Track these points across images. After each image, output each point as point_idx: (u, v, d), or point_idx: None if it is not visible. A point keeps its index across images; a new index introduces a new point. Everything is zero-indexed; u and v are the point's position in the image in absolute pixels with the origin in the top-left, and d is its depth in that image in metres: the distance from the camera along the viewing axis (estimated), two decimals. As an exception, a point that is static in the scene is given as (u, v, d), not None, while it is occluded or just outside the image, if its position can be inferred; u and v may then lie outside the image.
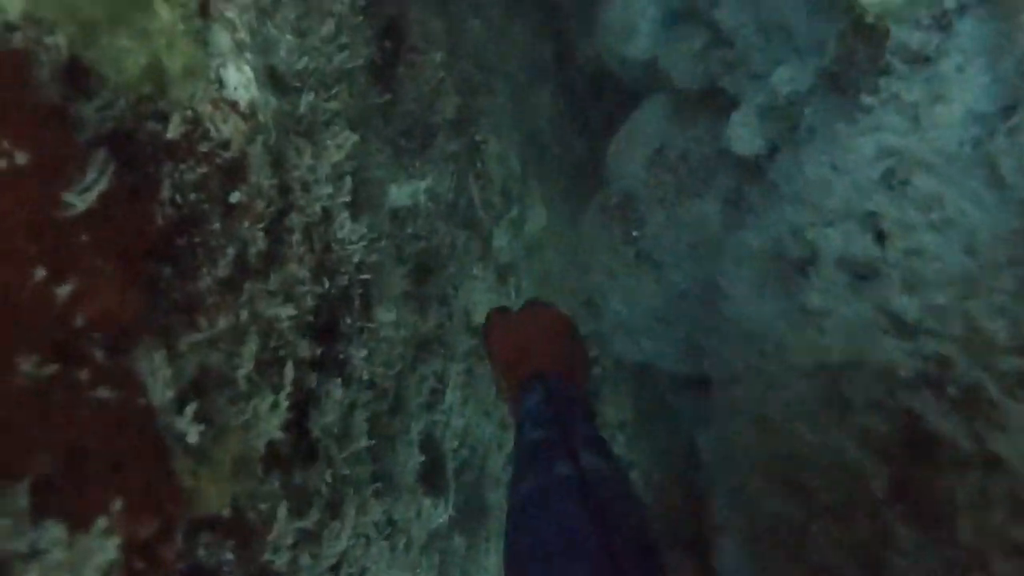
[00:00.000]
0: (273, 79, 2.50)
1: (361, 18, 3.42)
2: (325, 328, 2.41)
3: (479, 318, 6.51)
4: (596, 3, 6.33)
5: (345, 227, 2.52)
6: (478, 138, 6.35)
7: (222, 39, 2.20)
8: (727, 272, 3.58)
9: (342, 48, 3.11)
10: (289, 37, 2.70)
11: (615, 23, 5.88)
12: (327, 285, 2.42)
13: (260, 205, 2.21)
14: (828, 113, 3.00)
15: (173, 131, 1.96)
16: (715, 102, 4.62)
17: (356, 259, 2.57)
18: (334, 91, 2.84)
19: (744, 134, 3.61)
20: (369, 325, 2.66)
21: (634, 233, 5.16)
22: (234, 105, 2.14)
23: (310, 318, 2.27)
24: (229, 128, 2.12)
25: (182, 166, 1.97)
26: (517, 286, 7.39)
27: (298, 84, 2.63)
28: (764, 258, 3.29)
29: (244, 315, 2.02)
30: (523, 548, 1.40)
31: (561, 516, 1.39)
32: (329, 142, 2.71)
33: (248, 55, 2.27)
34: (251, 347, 1.99)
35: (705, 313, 4.69)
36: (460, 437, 5.64)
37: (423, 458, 4.15)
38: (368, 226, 2.80)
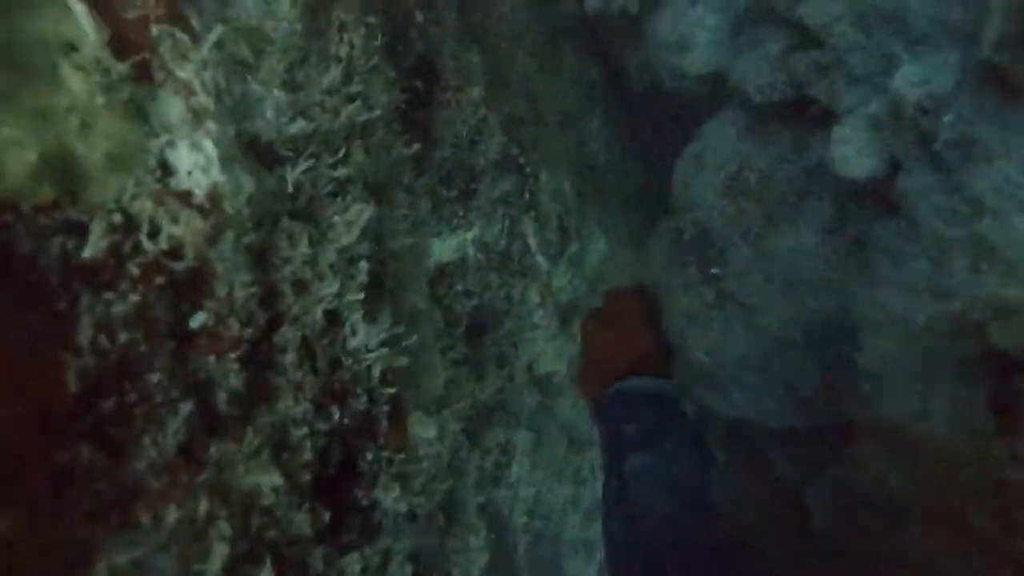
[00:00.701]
0: (254, 151, 1.91)
1: (376, 60, 2.83)
2: (336, 476, 1.78)
3: (545, 368, 5.85)
4: (644, 17, 5.63)
5: (359, 333, 1.88)
6: (528, 173, 5.72)
7: (171, 109, 1.61)
8: (865, 344, 2.81)
9: (352, 99, 2.51)
10: (278, 93, 2.11)
11: (667, 37, 5.16)
12: (337, 416, 1.79)
13: (233, 327, 1.60)
14: (987, 120, 2.22)
15: (93, 247, 1.36)
16: (800, 114, 3.85)
17: (377, 371, 1.93)
18: (342, 153, 2.23)
19: (852, 153, 2.85)
20: (399, 457, 2.02)
21: (713, 271, 4.40)
22: (186, 197, 1.54)
23: (308, 476, 1.63)
24: (181, 229, 1.51)
25: (108, 295, 1.37)
26: (583, 327, 6.69)
27: (290, 152, 2.03)
28: (924, 335, 2.51)
29: (204, 503, 1.39)
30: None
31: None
32: (337, 219, 2.09)
33: (211, 125, 1.67)
34: (219, 550, 1.37)
35: (811, 361, 3.89)
36: (530, 508, 4.96)
37: (487, 558, 3.47)
38: (393, 319, 2.16)
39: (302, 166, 2.05)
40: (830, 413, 4.24)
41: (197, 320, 1.54)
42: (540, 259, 5.63)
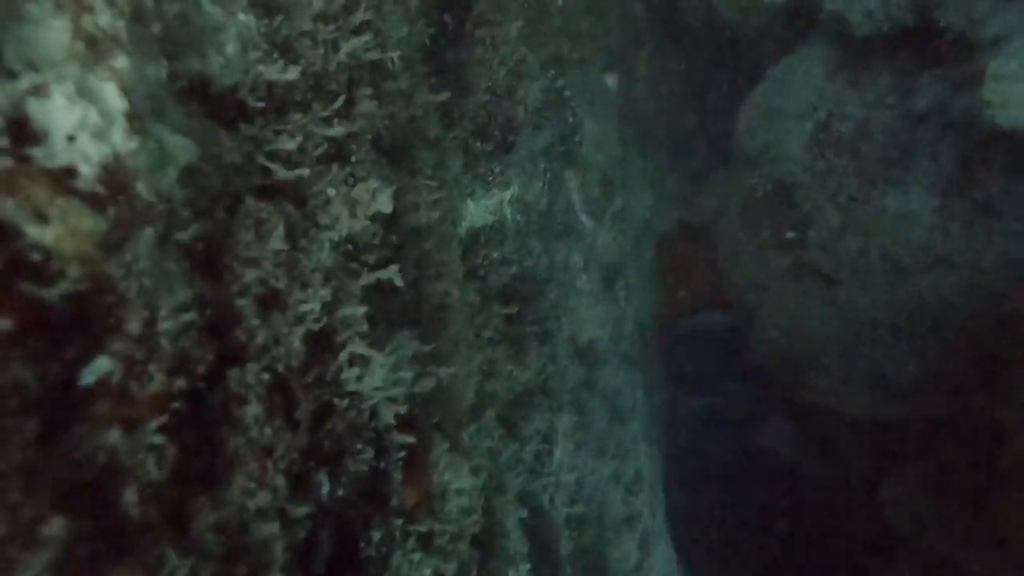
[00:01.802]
0: (201, 101, 1.29)
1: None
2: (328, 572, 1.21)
3: (587, 336, 5.23)
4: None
5: (361, 365, 1.28)
6: (572, 121, 4.99)
7: (47, 36, 0.99)
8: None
9: (357, 30, 1.85)
10: (244, 18, 1.47)
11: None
12: (326, 489, 1.21)
13: (155, 377, 1.00)
14: None
15: None
16: (906, 48, 3.08)
17: (389, 413, 1.34)
18: (340, 103, 1.60)
19: (1018, 94, 2.11)
20: (418, 529, 1.43)
21: (788, 235, 3.70)
22: (63, 178, 0.93)
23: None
24: (54, 232, 0.91)
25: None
26: (626, 288, 6.03)
27: (261, 102, 1.40)
28: None
29: None
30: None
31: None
32: (333, 195, 1.47)
33: (120, 61, 1.05)
34: None
35: (910, 349, 3.22)
36: (572, 495, 4.43)
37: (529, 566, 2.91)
38: (415, 332, 1.55)
39: (280, 123, 1.43)
40: (923, 406, 3.59)
41: (92, 373, 0.95)
42: (584, 217, 4.96)
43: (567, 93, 4.62)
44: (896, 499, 3.75)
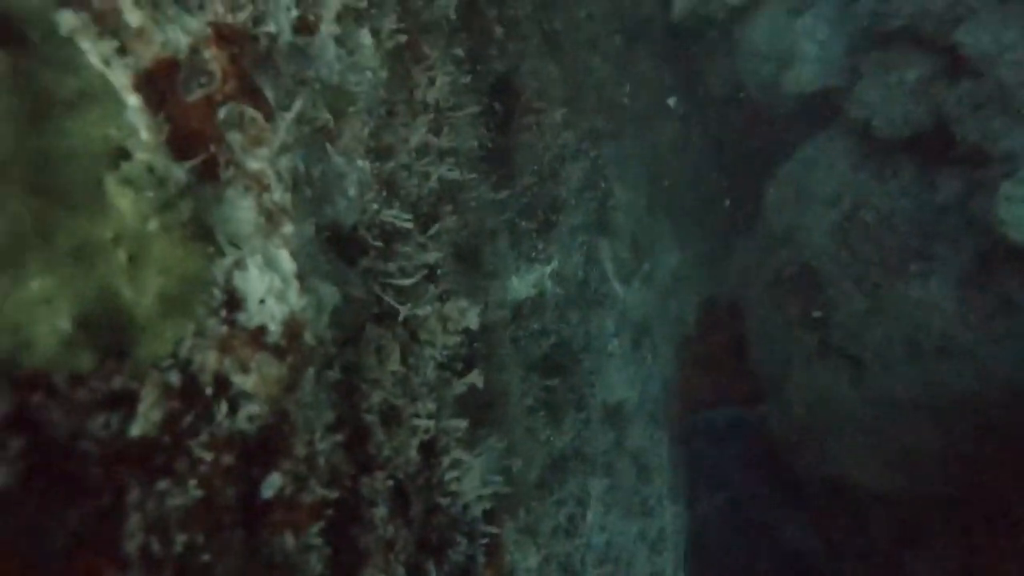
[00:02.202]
0: (335, 245, 1.57)
1: (465, 99, 2.45)
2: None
3: (617, 397, 5.46)
4: (736, 23, 5.12)
5: (460, 468, 1.53)
6: (606, 191, 5.29)
7: (239, 215, 1.27)
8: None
9: (443, 154, 2.15)
10: (362, 164, 1.76)
11: (762, 46, 4.66)
12: (433, 577, 1.45)
13: (315, 489, 1.26)
14: None
15: (144, 422, 1.03)
16: (928, 149, 3.35)
17: (479, 509, 1.58)
18: (434, 230, 1.88)
19: (1026, 215, 2.36)
20: (502, 610, 1.67)
21: (815, 314, 3.92)
22: (258, 336, 1.20)
23: None
24: (253, 380, 1.18)
25: (163, 484, 1.04)
26: (653, 347, 6.26)
27: (376, 239, 1.68)
28: None
29: None
30: None
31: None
32: (430, 313, 1.74)
33: (288, 229, 1.33)
34: None
35: (935, 430, 3.41)
36: (602, 555, 4.61)
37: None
38: (496, 432, 1.81)
39: (389, 253, 1.71)
40: (946, 483, 3.76)
41: (270, 487, 1.20)
42: (616, 285, 5.23)
43: (602, 167, 4.93)
44: (919, 571, 3.92)
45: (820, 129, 4.39)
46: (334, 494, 1.29)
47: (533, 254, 3.87)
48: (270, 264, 1.27)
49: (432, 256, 1.82)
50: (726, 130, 6.54)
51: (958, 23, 2.67)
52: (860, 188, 3.66)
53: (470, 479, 1.55)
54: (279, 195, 1.36)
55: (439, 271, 1.94)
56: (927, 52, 2.94)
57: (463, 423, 1.55)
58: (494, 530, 1.62)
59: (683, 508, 6.65)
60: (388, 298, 1.63)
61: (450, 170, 2.14)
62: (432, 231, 1.85)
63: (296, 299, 1.27)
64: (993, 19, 2.51)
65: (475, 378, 1.73)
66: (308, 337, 1.29)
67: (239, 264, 1.22)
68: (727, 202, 6.90)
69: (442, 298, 1.79)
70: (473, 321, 1.74)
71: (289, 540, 1.20)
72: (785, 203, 4.32)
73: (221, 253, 1.21)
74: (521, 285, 3.80)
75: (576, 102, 4.72)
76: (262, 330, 1.21)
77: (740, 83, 5.50)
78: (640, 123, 6.58)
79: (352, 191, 1.70)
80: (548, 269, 3.96)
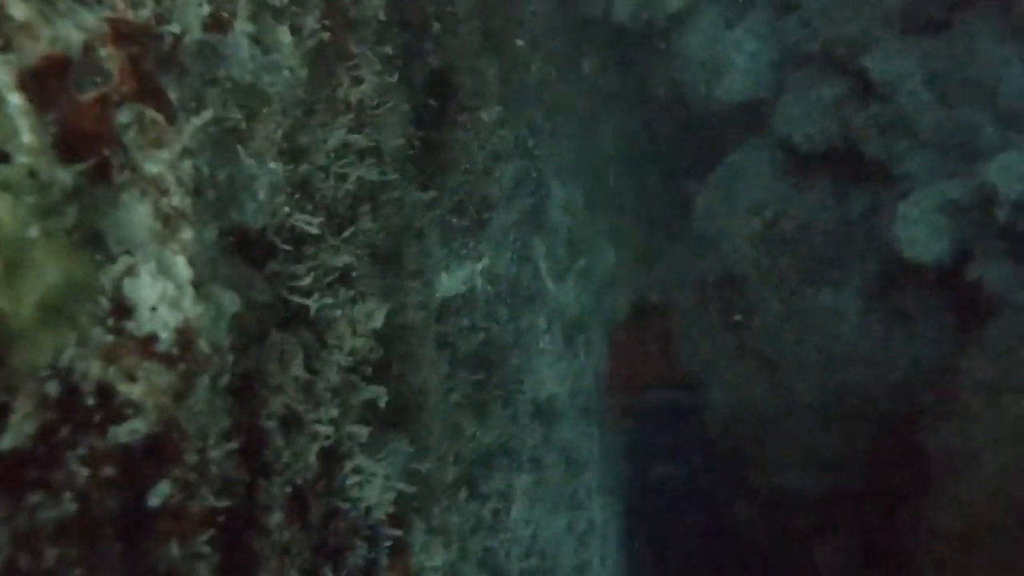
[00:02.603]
0: (240, 248, 1.55)
1: (392, 99, 2.44)
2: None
3: (547, 392, 5.53)
4: (674, 32, 5.22)
5: (362, 474, 1.54)
6: (541, 188, 5.33)
7: (133, 219, 1.25)
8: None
9: (363, 155, 2.14)
10: (274, 166, 1.74)
11: (697, 55, 4.76)
12: (329, 582, 1.46)
13: (206, 497, 1.25)
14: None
15: (15, 434, 1.01)
16: (845, 162, 3.50)
17: (381, 512, 1.60)
18: (347, 233, 1.88)
19: (920, 235, 2.50)
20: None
21: (736, 318, 4.06)
22: (148, 345, 1.19)
23: None
24: (141, 389, 1.16)
25: (34, 498, 1.02)
26: (586, 343, 6.36)
27: (286, 243, 1.67)
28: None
29: None
30: None
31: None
32: (339, 316, 1.74)
33: (186, 234, 1.32)
34: None
35: (838, 431, 3.59)
36: (527, 548, 4.68)
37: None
38: (404, 434, 1.82)
39: (299, 257, 1.70)
40: (847, 481, 3.96)
41: (157, 496, 1.20)
42: (549, 282, 5.28)
43: (540, 165, 4.96)
44: (829, 562, 4.11)
45: (749, 137, 4.52)
46: (224, 502, 1.28)
47: (464, 251, 3.88)
48: (164, 271, 1.25)
49: (344, 259, 1.82)
50: (665, 134, 6.67)
51: (866, 49, 2.79)
52: (782, 198, 3.80)
53: (372, 485, 1.56)
54: (178, 199, 1.34)
55: (353, 274, 1.94)
56: (842, 74, 3.06)
57: (366, 429, 1.56)
58: (397, 532, 1.64)
59: (614, 499, 6.80)
60: (295, 301, 1.63)
61: (370, 170, 2.14)
62: (346, 234, 1.85)
63: (191, 306, 1.26)
64: (892, 49, 2.64)
65: (378, 392, 1.74)
66: (203, 344, 1.28)
67: (131, 271, 1.20)
68: (664, 201, 7.04)
69: (353, 301, 1.80)
70: (379, 322, 1.75)
71: (175, 550, 1.20)
72: (713, 209, 4.44)
73: (111, 260, 1.19)
74: (451, 282, 3.82)
75: (514, 100, 4.74)
76: (152, 338, 1.20)
77: (680, 90, 5.61)
78: (581, 123, 6.66)
79: (262, 194, 1.68)
80: (479, 266, 3.98)
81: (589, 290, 6.44)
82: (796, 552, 4.47)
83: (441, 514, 2.32)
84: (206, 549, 1.24)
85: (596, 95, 6.73)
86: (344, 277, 1.85)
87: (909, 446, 3.23)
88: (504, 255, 4.45)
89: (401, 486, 1.66)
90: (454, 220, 3.79)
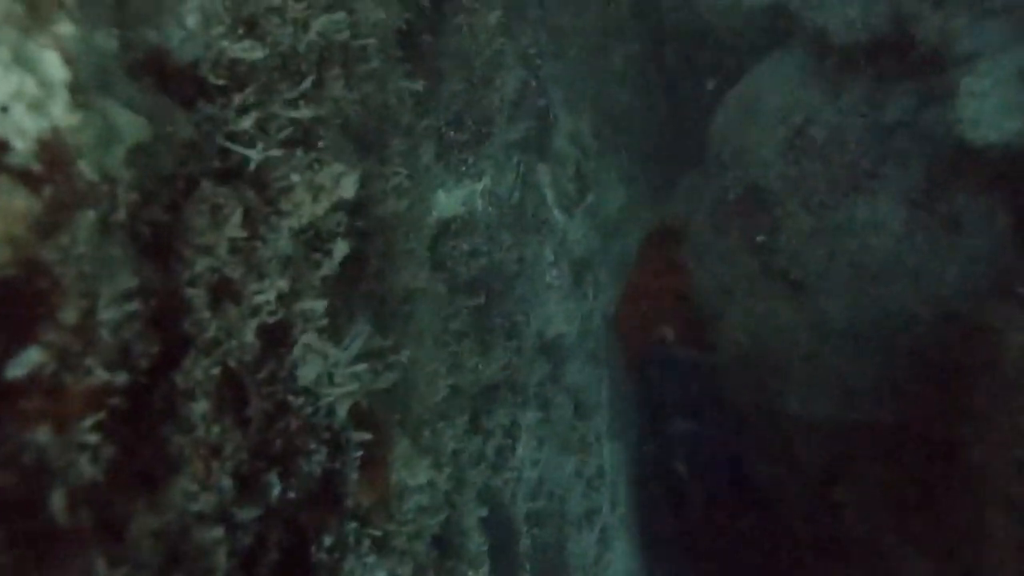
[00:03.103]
0: (157, 76, 1.21)
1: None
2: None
3: (555, 331, 5.21)
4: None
5: (318, 361, 1.22)
6: (547, 114, 4.94)
7: (-19, -6, 0.91)
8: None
9: (331, 7, 1.77)
10: (208, -12, 1.38)
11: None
12: (276, 491, 1.14)
13: (93, 371, 0.93)
14: None
15: None
16: (881, 59, 3.09)
17: (343, 409, 1.28)
18: (307, 86, 1.52)
19: (988, 111, 2.12)
20: (373, 532, 1.38)
21: (759, 238, 3.69)
22: (-6, 153, 0.85)
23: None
24: (-19, 212, 0.83)
25: None
26: (595, 283, 6.02)
27: (223, 80, 1.32)
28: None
29: None
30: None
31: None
32: (296, 180, 1.40)
33: (64, 28, 0.97)
34: None
35: (872, 355, 3.25)
36: (534, 490, 4.41)
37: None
38: (375, 321, 1.49)
39: (241, 100, 1.36)
40: (881, 412, 3.63)
41: (20, 365, 0.87)
42: (556, 212, 4.93)
43: (543, 85, 4.57)
44: (851, 501, 3.80)
45: (774, 48, 4.10)
46: (122, 378, 0.96)
47: (463, 168, 3.52)
48: (24, 63, 0.91)
49: (304, 114, 1.48)
50: (677, 59, 6.22)
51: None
52: (811, 103, 3.40)
53: (333, 376, 1.24)
54: (53, -18, 0.99)
55: (318, 140, 1.59)
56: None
57: (321, 305, 1.23)
58: (366, 436, 1.32)
59: (623, 446, 6.53)
60: (237, 149, 1.28)
61: (340, 29, 1.77)
62: (305, 86, 1.50)
63: (64, 115, 0.92)
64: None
65: (341, 250, 1.40)
66: (86, 169, 0.94)
67: (-33, 56, 0.86)
68: (678, 137, 6.64)
69: (313, 166, 1.45)
70: (348, 190, 1.41)
71: (44, 435, 0.87)
72: (732, 126, 4.04)
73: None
74: (449, 201, 3.47)
75: (516, 13, 4.33)
76: (0, 146, 0.86)
77: (693, 6, 5.17)
78: (588, 48, 6.20)
79: (191, 20, 1.32)
80: (479, 186, 3.63)
81: (598, 229, 6.07)
82: (817, 491, 4.17)
83: (431, 435, 2.01)
84: (92, 438, 0.92)
85: (604, 20, 6.26)
86: (305, 138, 1.51)
87: (953, 375, 2.90)
88: (506, 176, 4.09)
89: (371, 378, 1.34)
90: (451, 134, 3.43)
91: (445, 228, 3.44)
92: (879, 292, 3.05)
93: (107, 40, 1.08)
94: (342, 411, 1.28)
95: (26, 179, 0.87)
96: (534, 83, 4.35)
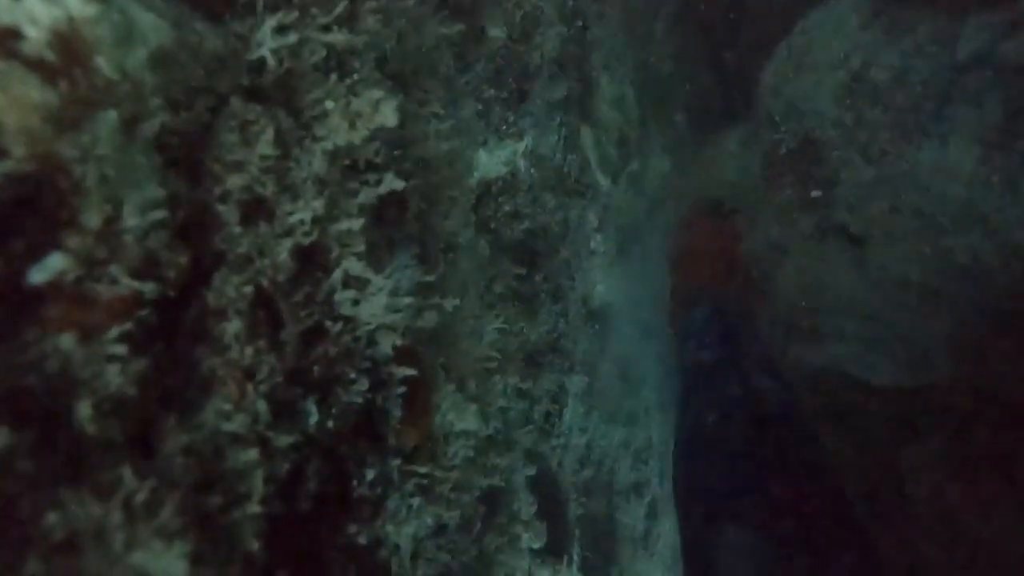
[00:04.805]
0: (183, -15, 1.15)
1: None
2: (312, 513, 1.09)
3: (601, 300, 5.10)
4: None
5: (358, 287, 1.15)
6: (588, 75, 4.79)
7: None
8: None
9: (363, -63, 1.69)
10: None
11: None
12: (314, 418, 1.08)
13: (119, 279, 0.88)
14: None
15: None
16: (951, -8, 2.88)
17: (387, 342, 1.21)
18: (342, 8, 1.45)
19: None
20: (418, 470, 1.32)
21: (813, 194, 3.52)
22: (5, 39, 0.80)
23: (254, 541, 0.93)
24: (-5, 101, 0.78)
25: None
26: (642, 255, 5.87)
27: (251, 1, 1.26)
28: None
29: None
30: (694, 487, 1.72)
31: (729, 456, 1.79)
32: (330, 105, 1.33)
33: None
34: None
35: (941, 312, 3.06)
36: (582, 457, 4.33)
37: (534, 534, 2.81)
38: (418, 258, 1.42)
39: (274, 20, 1.29)
40: (950, 373, 3.44)
41: (43, 271, 0.82)
42: (599, 176, 4.80)
43: (584, 46, 4.43)
44: (918, 466, 3.63)
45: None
46: (150, 289, 0.90)
47: (504, 127, 3.42)
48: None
49: (337, 38, 1.40)
50: (721, 20, 6.00)
51: None
52: (870, 46, 3.19)
53: (373, 302, 1.17)
54: None
55: (354, 72, 1.52)
56: None
57: (358, 224, 1.16)
58: (410, 372, 1.25)
59: (672, 417, 6.41)
60: (271, 67, 1.22)
61: (373, -40, 1.69)
62: (338, 11, 1.43)
63: (79, 5, 0.86)
64: None
65: (391, 182, 1.33)
66: (104, 66, 0.88)
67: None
68: (723, 102, 6.43)
69: (349, 94, 1.38)
70: (389, 117, 1.33)
71: (68, 343, 0.82)
72: (784, 78, 3.84)
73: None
74: (491, 162, 3.39)
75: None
76: (12, 34, 0.80)
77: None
78: (630, 10, 6.01)
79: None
80: (521, 146, 3.53)
81: (644, 197, 5.91)
82: (878, 464, 4.00)
83: (478, 386, 1.94)
84: (119, 349, 0.86)
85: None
86: (340, 63, 1.44)
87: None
88: (549, 137, 3.98)
89: (414, 311, 1.27)
90: (491, 91, 3.33)
91: (487, 189, 3.36)
92: (948, 243, 2.86)
93: (127, -59, 1.02)
94: (384, 344, 1.21)
95: (40, 69, 0.82)
96: (576, 41, 4.22)
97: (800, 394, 4.26)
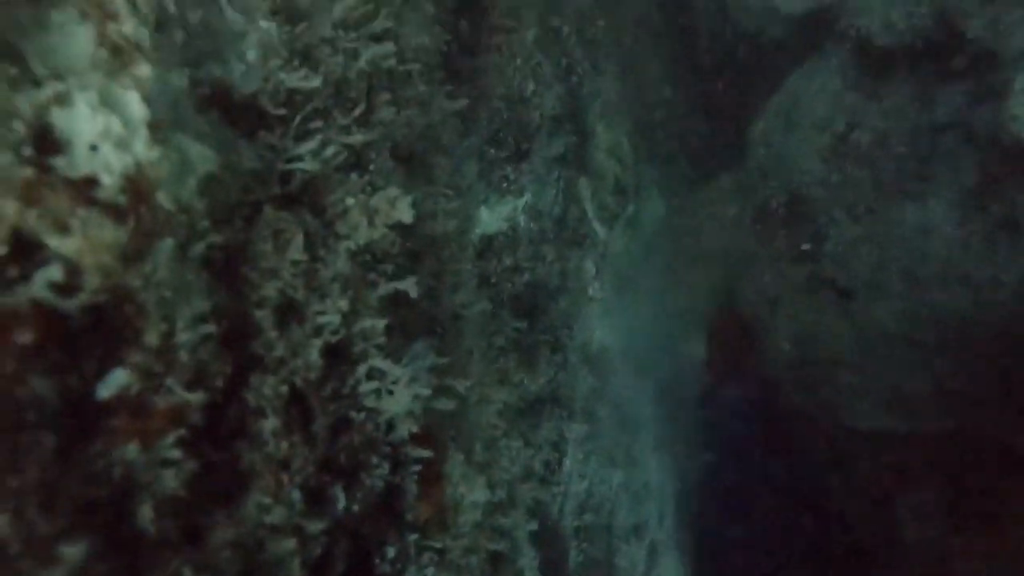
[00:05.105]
0: (222, 110, 1.28)
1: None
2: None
3: (599, 344, 5.20)
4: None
5: (379, 379, 1.26)
6: (586, 128, 4.96)
7: (71, 44, 0.98)
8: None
9: (380, 37, 1.84)
10: (266, 25, 1.46)
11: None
12: (342, 504, 1.19)
13: (173, 391, 0.99)
14: None
15: None
16: (927, 61, 3.05)
17: (405, 428, 1.32)
18: (359, 111, 1.58)
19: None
20: (432, 544, 1.42)
21: (804, 247, 3.66)
22: (85, 188, 0.92)
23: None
24: (74, 244, 0.90)
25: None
26: (638, 297, 6.00)
27: (282, 110, 1.39)
28: None
29: None
30: None
31: None
32: (351, 204, 1.46)
33: (143, 70, 1.04)
34: None
35: (927, 364, 3.18)
36: (582, 503, 4.40)
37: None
38: (433, 345, 1.54)
39: (300, 130, 1.42)
40: (935, 422, 3.55)
41: (110, 386, 0.93)
42: (597, 225, 4.94)
43: (581, 100, 4.60)
44: (913, 514, 3.72)
45: (813, 54, 4.07)
46: (200, 397, 1.01)
47: (504, 184, 3.57)
48: (110, 104, 0.98)
49: (357, 139, 1.53)
50: (714, 69, 6.20)
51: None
52: (854, 108, 3.37)
53: (394, 393, 1.28)
54: (131, 28, 1.06)
55: (370, 164, 1.65)
56: (931, -57, 2.63)
57: (381, 323, 1.28)
58: (426, 453, 1.36)
59: (671, 460, 6.47)
60: (297, 176, 1.34)
61: (386, 56, 1.84)
62: (357, 112, 1.56)
63: (145, 150, 0.99)
64: None
65: (408, 285, 1.46)
66: (164, 200, 1.01)
67: (61, 99, 0.93)
68: (715, 147, 6.60)
69: (367, 189, 1.51)
70: (405, 213, 1.46)
71: (133, 451, 0.93)
72: (773, 134, 4.02)
73: (34, 83, 0.92)
74: (492, 218, 3.52)
75: (551, 28, 4.38)
76: (91, 182, 0.93)
77: (730, 14, 5.16)
78: (624, 61, 6.22)
79: (252, 55, 1.40)
80: (521, 202, 3.67)
81: (639, 240, 6.06)
82: (869, 507, 4.08)
83: (484, 451, 2.04)
84: (175, 454, 0.97)
85: (639, 31, 6.28)
86: (358, 162, 1.57)
87: (1011, 381, 2.82)
88: (547, 192, 4.13)
89: (429, 396, 1.38)
90: (492, 151, 3.48)
91: (488, 244, 3.49)
92: (931, 298, 2.99)
93: (179, 78, 1.15)
94: (402, 428, 1.32)
95: (113, 212, 0.94)
96: (571, 98, 4.39)
97: (794, 440, 4.35)
